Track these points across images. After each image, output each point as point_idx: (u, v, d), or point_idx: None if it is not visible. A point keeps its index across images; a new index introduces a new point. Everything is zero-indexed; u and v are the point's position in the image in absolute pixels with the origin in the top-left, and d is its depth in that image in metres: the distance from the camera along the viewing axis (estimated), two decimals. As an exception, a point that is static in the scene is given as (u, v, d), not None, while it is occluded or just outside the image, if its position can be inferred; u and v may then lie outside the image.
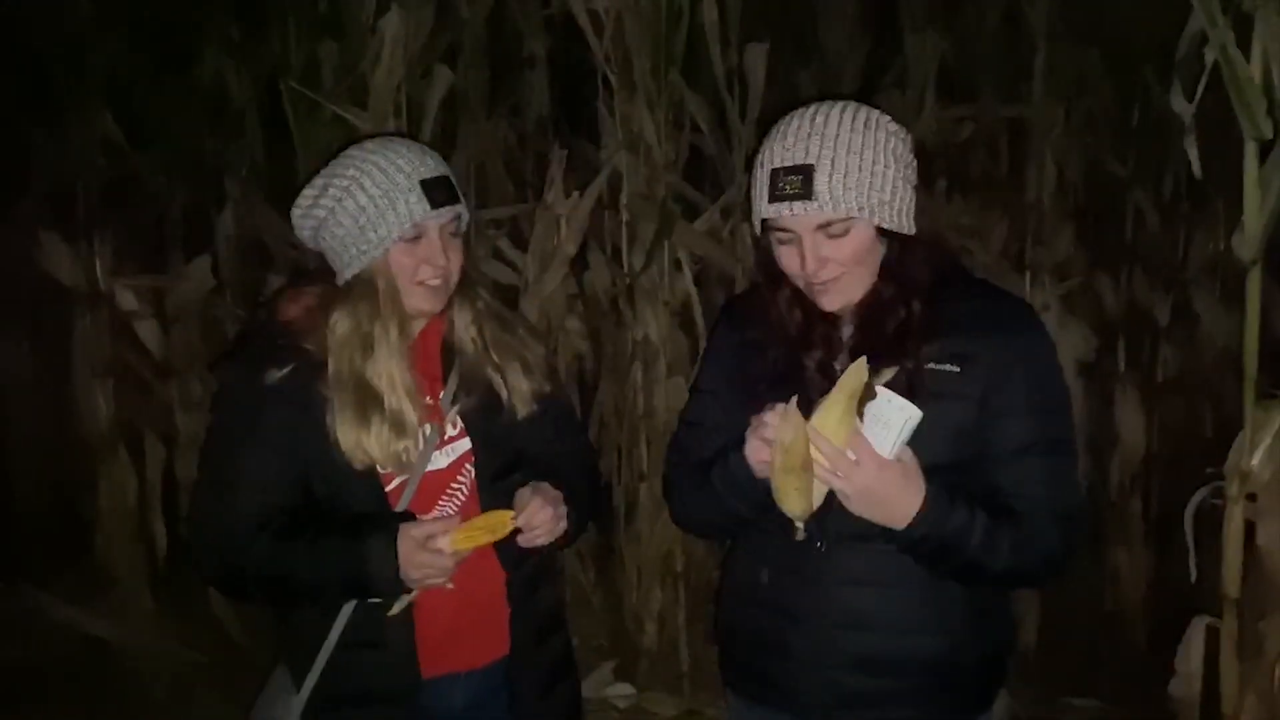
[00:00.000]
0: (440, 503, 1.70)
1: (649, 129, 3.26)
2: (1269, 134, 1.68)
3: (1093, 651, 3.50)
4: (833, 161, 1.44)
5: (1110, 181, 3.73)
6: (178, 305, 3.80)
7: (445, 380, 1.72)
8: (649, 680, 3.43)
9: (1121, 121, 3.64)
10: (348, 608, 1.65)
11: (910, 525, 1.43)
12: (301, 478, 1.64)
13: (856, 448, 1.38)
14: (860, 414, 1.38)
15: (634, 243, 3.38)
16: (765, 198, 1.47)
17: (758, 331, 1.62)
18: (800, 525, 1.46)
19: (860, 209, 1.45)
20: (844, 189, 1.44)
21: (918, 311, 1.50)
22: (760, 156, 1.51)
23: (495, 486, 1.69)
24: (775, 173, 1.46)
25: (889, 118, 1.53)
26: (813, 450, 1.38)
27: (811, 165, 1.44)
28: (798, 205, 1.44)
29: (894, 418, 1.39)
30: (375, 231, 1.60)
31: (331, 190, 1.63)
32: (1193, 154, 1.87)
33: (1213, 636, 1.89)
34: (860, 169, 1.45)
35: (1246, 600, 1.86)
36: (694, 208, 3.56)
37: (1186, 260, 3.68)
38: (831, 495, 1.45)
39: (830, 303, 1.52)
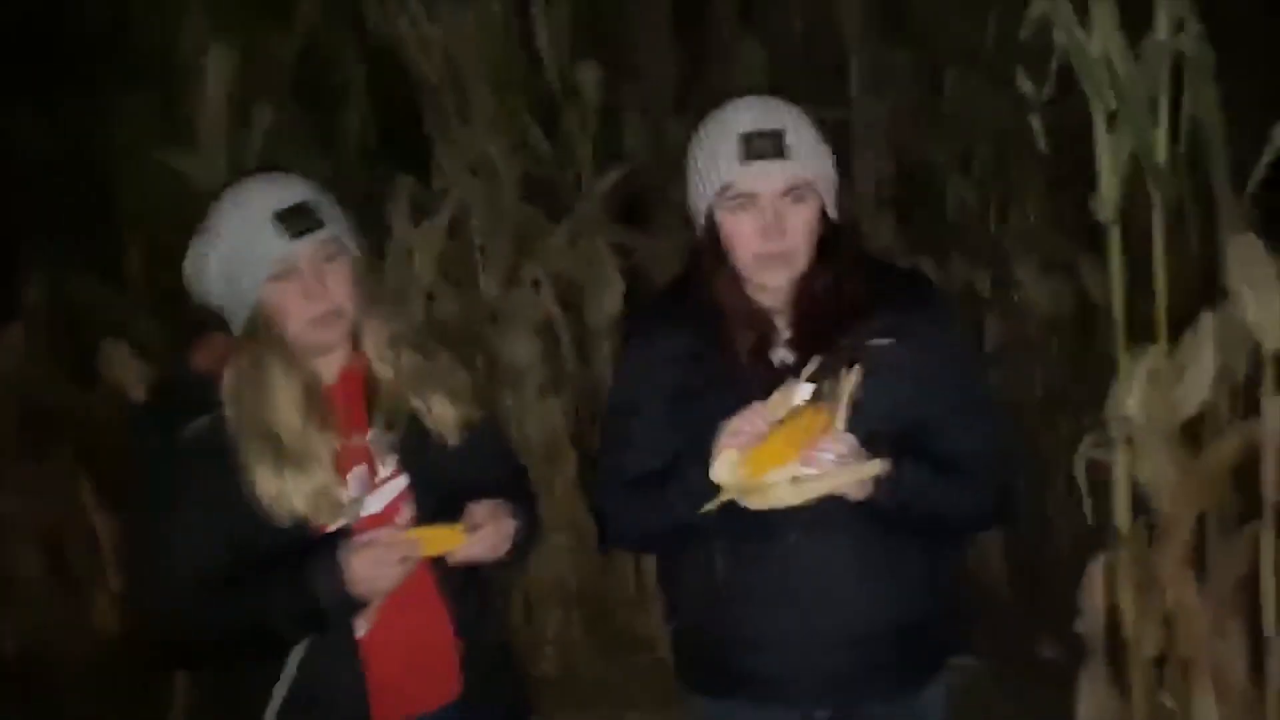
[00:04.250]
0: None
1: (495, 151, 3.24)
2: (1113, 104, 1.85)
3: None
4: (800, 129, 1.52)
5: (926, 170, 3.97)
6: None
7: (372, 420, 1.65)
8: (555, 706, 3.39)
9: (931, 114, 3.88)
10: (293, 660, 1.56)
11: (875, 492, 1.49)
12: (232, 534, 1.54)
13: (839, 438, 1.46)
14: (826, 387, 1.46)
15: (489, 267, 3.35)
16: (736, 159, 1.50)
17: (682, 338, 1.63)
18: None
19: (821, 179, 1.53)
20: (812, 154, 1.52)
21: (853, 292, 1.56)
22: (712, 129, 1.55)
23: (436, 523, 1.62)
24: (747, 136, 1.50)
25: None
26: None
27: (783, 130, 1.50)
28: (774, 164, 1.49)
29: (842, 396, 1.46)
30: (243, 280, 1.55)
31: (199, 245, 1.58)
32: (1038, 131, 2.03)
33: (1110, 572, 2.04)
34: (820, 144, 1.55)
35: (1136, 535, 2.02)
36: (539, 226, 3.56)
37: (1002, 237, 3.95)
38: None
39: (774, 277, 1.55)
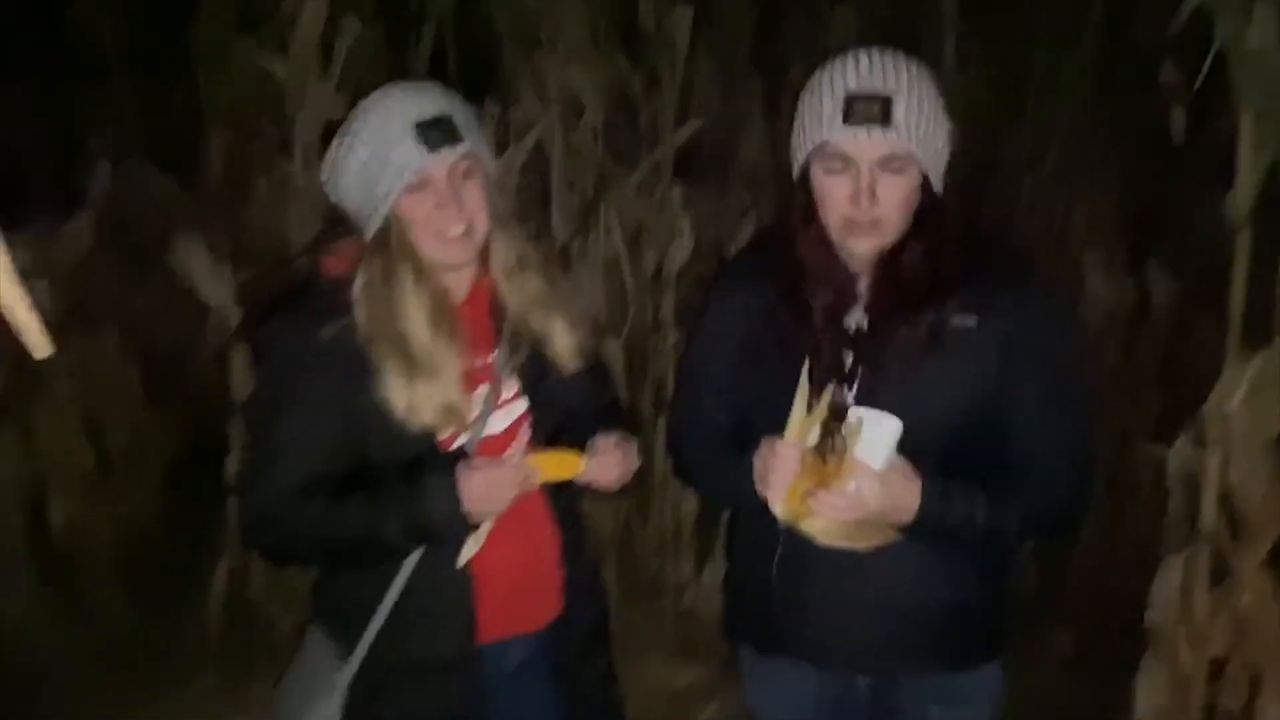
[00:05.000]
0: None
1: (587, 90, 3.20)
2: (1261, 103, 1.82)
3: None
4: (911, 97, 1.43)
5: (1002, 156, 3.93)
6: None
7: (498, 341, 1.65)
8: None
9: (1014, 102, 3.84)
10: (405, 570, 1.57)
11: (914, 524, 1.49)
12: (353, 442, 1.55)
13: (858, 476, 1.44)
14: (833, 435, 1.44)
15: (565, 204, 3.32)
16: (837, 119, 1.43)
17: (761, 292, 1.60)
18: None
19: (925, 152, 1.45)
20: (918, 126, 1.43)
21: (942, 268, 1.50)
22: (821, 82, 1.48)
23: (550, 449, 1.63)
24: (852, 97, 1.43)
25: None
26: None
27: (891, 96, 1.42)
28: (875, 131, 1.42)
29: (882, 437, 1.44)
30: (378, 186, 1.52)
31: (338, 149, 1.56)
32: (1178, 122, 2.00)
33: (1188, 568, 2.05)
34: (932, 114, 1.46)
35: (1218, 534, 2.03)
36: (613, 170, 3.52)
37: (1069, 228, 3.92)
38: None
39: (860, 244, 1.50)
